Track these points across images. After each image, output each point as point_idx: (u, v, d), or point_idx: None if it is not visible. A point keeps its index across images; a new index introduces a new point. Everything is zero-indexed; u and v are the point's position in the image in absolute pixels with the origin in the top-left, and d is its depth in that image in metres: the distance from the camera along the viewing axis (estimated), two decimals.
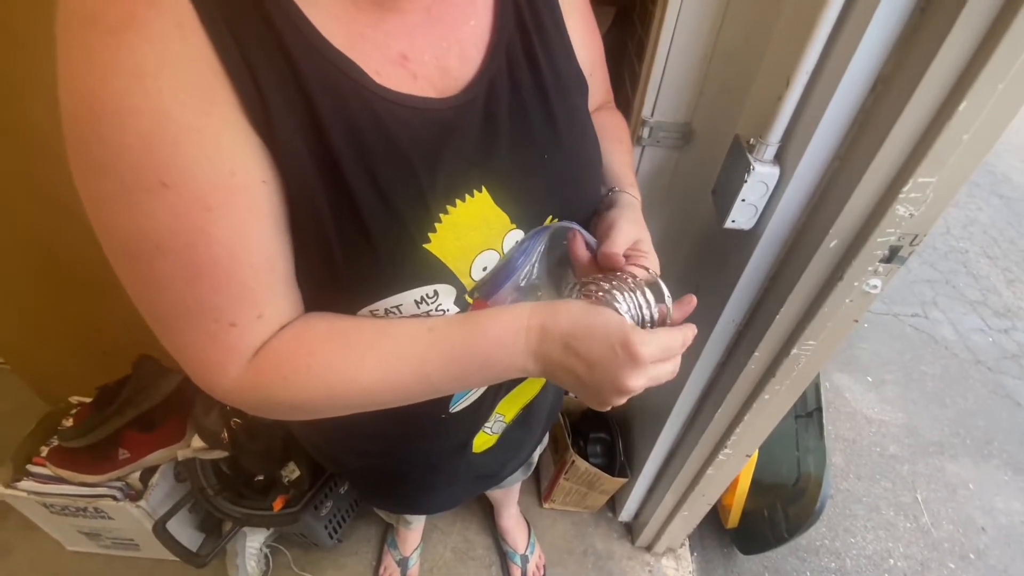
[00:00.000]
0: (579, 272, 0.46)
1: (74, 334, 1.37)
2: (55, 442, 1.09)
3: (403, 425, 0.54)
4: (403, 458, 0.59)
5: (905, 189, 0.59)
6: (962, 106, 0.52)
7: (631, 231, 0.47)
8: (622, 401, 0.40)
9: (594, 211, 0.51)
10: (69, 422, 1.14)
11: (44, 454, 1.08)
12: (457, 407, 0.53)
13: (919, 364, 2.14)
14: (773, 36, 0.72)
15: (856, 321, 0.76)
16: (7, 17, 0.90)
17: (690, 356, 0.98)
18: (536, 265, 0.46)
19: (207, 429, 1.01)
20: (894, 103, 0.56)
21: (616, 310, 0.40)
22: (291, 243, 0.38)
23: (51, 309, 1.33)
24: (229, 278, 0.35)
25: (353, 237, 0.37)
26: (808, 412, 1.39)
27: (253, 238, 0.35)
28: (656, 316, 0.42)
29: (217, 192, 0.33)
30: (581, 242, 0.46)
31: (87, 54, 0.29)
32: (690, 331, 0.42)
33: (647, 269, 0.44)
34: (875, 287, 0.71)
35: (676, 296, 0.45)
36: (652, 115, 0.85)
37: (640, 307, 0.41)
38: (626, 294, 0.41)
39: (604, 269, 0.45)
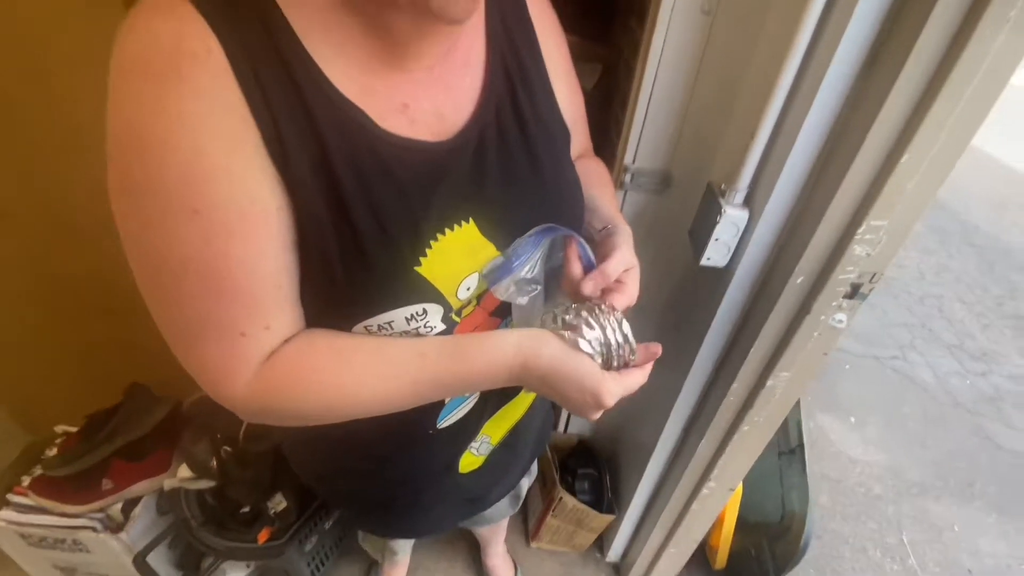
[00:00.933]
0: (567, 281, 0.51)
1: (63, 361, 1.37)
2: (38, 471, 1.08)
3: (391, 441, 0.57)
4: (391, 476, 0.61)
5: (860, 231, 0.65)
6: (904, 158, 0.59)
7: (629, 258, 0.53)
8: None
9: (587, 239, 0.57)
10: (53, 451, 1.13)
11: (26, 483, 1.07)
12: (444, 423, 0.55)
13: (900, 406, 2.18)
14: (740, 94, 0.80)
15: (825, 354, 0.81)
16: (25, 45, 0.96)
17: (673, 388, 1.02)
18: (537, 263, 0.50)
19: (196, 457, 1.01)
20: (846, 155, 0.63)
21: (591, 356, 0.46)
22: (297, 263, 0.42)
23: (40, 336, 1.34)
24: (243, 292, 0.39)
25: (353, 259, 0.41)
26: (791, 449, 1.41)
27: (266, 258, 0.40)
28: (623, 360, 0.48)
29: (239, 218, 0.37)
30: (575, 252, 0.51)
31: (138, 98, 0.34)
32: (649, 367, 0.49)
33: (615, 309, 0.49)
34: (841, 321, 0.76)
35: (650, 331, 0.50)
36: (634, 162, 0.92)
37: (612, 357, 0.47)
38: (599, 333, 0.46)
39: (586, 292, 0.49)
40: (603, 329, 0.47)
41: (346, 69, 0.40)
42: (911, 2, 0.55)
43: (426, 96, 0.44)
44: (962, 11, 0.52)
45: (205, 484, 1.03)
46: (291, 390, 0.42)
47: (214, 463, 1.00)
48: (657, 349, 0.49)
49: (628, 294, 0.51)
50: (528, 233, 0.49)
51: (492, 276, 0.49)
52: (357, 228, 0.41)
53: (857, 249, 0.67)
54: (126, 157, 0.35)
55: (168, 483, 1.05)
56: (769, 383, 0.85)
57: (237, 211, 0.37)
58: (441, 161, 0.44)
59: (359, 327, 0.44)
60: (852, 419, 2.08)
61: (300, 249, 0.41)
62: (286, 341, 0.43)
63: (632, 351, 0.48)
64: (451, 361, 0.44)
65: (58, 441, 1.16)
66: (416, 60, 0.43)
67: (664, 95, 0.84)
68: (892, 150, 0.60)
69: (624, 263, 0.51)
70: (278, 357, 0.42)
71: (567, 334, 0.46)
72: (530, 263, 0.49)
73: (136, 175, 0.36)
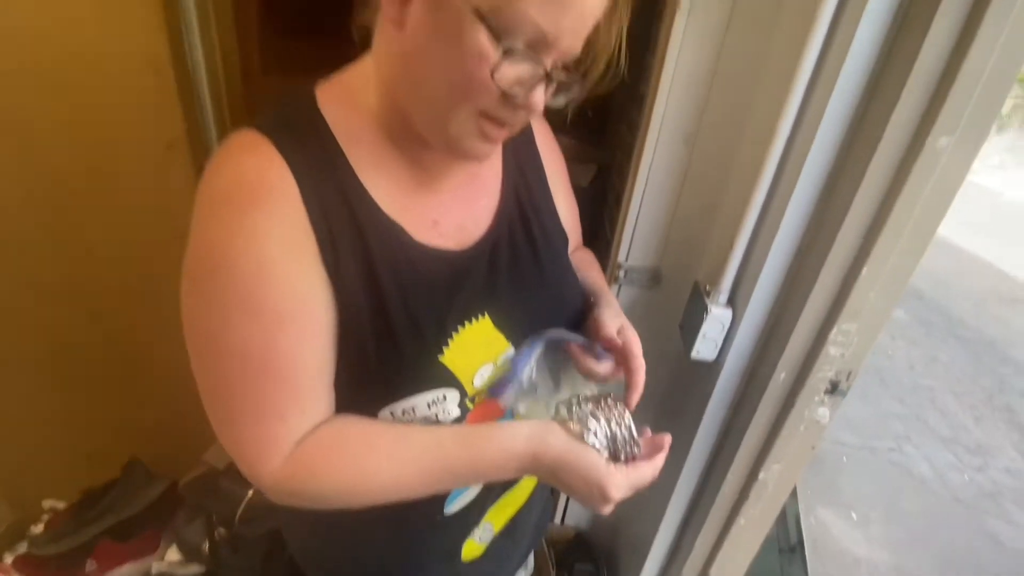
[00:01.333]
0: (585, 370, 0.57)
1: (57, 434, 1.36)
2: (24, 548, 1.06)
3: (399, 526, 0.59)
4: (395, 562, 0.62)
5: (833, 334, 0.72)
6: (864, 271, 0.67)
7: (613, 320, 0.59)
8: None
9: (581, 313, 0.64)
10: (39, 528, 1.11)
11: (10, 561, 1.04)
12: (451, 508, 0.58)
13: (900, 501, 2.14)
14: (720, 208, 0.90)
15: (813, 448, 0.84)
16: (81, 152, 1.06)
17: (670, 479, 1.03)
18: (534, 368, 0.56)
19: (187, 540, 0.99)
20: (813, 267, 0.71)
21: (597, 449, 0.49)
22: (334, 354, 0.47)
23: (37, 407, 1.34)
24: (288, 381, 0.45)
25: (386, 348, 0.47)
26: (791, 546, 1.39)
27: (311, 351, 0.46)
28: (630, 453, 0.50)
29: (293, 317, 0.44)
30: (578, 350, 0.57)
31: (220, 221, 0.42)
32: (660, 460, 0.51)
33: (618, 402, 0.53)
34: (824, 416, 0.81)
35: (647, 419, 0.54)
36: (627, 260, 1.01)
37: (619, 450, 0.50)
38: (605, 431, 0.50)
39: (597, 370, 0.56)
40: (608, 422, 0.50)
41: (389, 191, 0.48)
42: (858, 142, 0.66)
43: (452, 213, 0.53)
44: (902, 152, 0.63)
45: (194, 569, 1.01)
46: (320, 473, 0.46)
47: (206, 546, 0.99)
48: (663, 441, 0.52)
49: (635, 351, 0.56)
50: (522, 347, 0.55)
51: (496, 389, 0.54)
52: (392, 321, 0.47)
53: (832, 350, 0.73)
54: (203, 266, 0.43)
55: (156, 566, 1.03)
56: (761, 476, 0.88)
57: (291, 311, 0.43)
58: (463, 266, 0.52)
59: (384, 411, 0.49)
60: (853, 515, 2.04)
61: (339, 340, 0.47)
62: (317, 426, 0.47)
63: (636, 444, 0.51)
64: (465, 450, 0.48)
65: (45, 517, 1.14)
66: (444, 184, 0.53)
67: (652, 205, 0.94)
68: (853, 265, 0.69)
69: (614, 322, 0.58)
70: (310, 441, 0.46)
71: (574, 426, 0.50)
72: (527, 368, 0.55)
73: (209, 280, 0.43)
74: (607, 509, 0.49)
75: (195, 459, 1.34)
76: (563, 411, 0.52)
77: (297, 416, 0.46)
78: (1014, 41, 0.56)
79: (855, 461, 2.31)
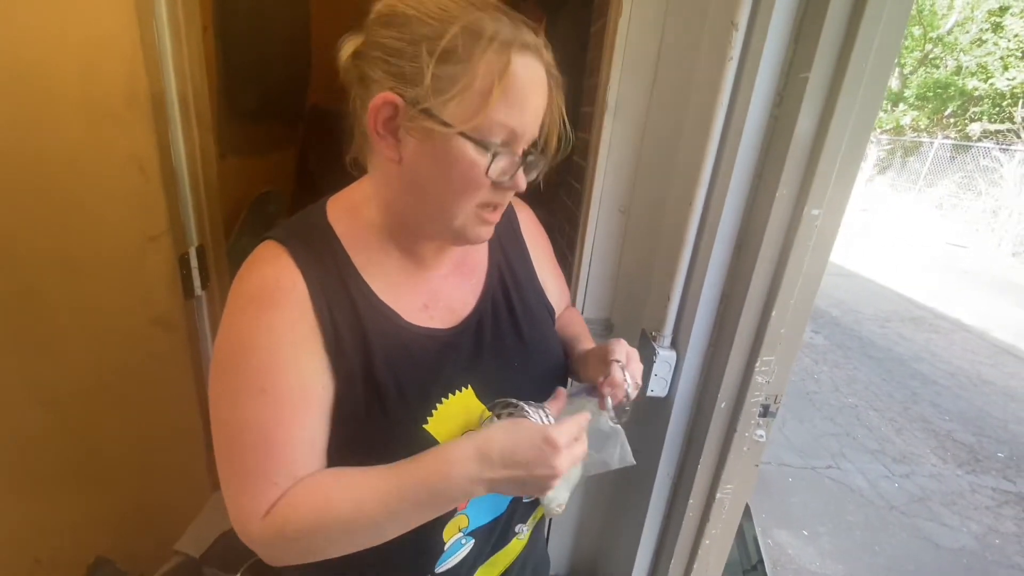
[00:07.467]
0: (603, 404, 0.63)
1: (23, 535, 1.26)
2: None
3: None
4: None
5: (757, 365, 0.87)
6: (773, 314, 0.83)
7: (612, 349, 0.64)
8: (556, 483, 0.52)
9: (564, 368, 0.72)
10: None
11: None
12: (442, 567, 0.62)
13: (844, 514, 2.32)
14: (655, 266, 1.06)
15: (756, 465, 0.98)
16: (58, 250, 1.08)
17: (640, 510, 1.13)
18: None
19: None
20: (735, 310, 0.87)
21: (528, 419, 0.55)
22: (328, 424, 0.54)
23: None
24: (286, 452, 0.51)
25: (376, 418, 0.54)
26: (752, 565, 1.49)
27: (308, 425, 0.52)
28: (552, 421, 0.57)
29: (296, 396, 0.51)
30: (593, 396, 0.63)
31: (245, 318, 0.51)
32: (583, 418, 0.56)
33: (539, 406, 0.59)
34: (761, 436, 0.94)
35: None
36: (583, 312, 1.14)
37: (541, 419, 0.56)
38: (532, 413, 0.57)
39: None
40: (527, 408, 0.57)
41: (385, 281, 0.58)
42: (755, 214, 0.84)
43: (441, 295, 0.62)
44: (786, 221, 0.80)
45: None
46: (291, 516, 0.50)
47: None
48: (560, 392, 0.62)
49: (614, 350, 0.64)
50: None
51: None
52: (382, 396, 0.54)
53: (758, 378, 0.88)
54: (228, 353, 0.51)
55: None
56: (718, 496, 0.99)
57: (295, 391, 0.51)
58: (449, 342, 0.61)
59: None
60: (805, 532, 2.19)
61: (337, 409, 0.54)
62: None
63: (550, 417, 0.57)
64: (416, 470, 0.51)
65: None
66: (434, 272, 0.62)
67: (599, 266, 1.09)
68: (764, 309, 0.85)
69: (620, 348, 0.65)
70: (285, 495, 0.51)
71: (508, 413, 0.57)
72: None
73: (231, 365, 0.50)
74: (563, 462, 0.50)
75: (166, 551, 1.29)
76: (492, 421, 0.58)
77: (287, 480, 0.51)
78: (858, 131, 0.76)
79: (799, 480, 2.49)
